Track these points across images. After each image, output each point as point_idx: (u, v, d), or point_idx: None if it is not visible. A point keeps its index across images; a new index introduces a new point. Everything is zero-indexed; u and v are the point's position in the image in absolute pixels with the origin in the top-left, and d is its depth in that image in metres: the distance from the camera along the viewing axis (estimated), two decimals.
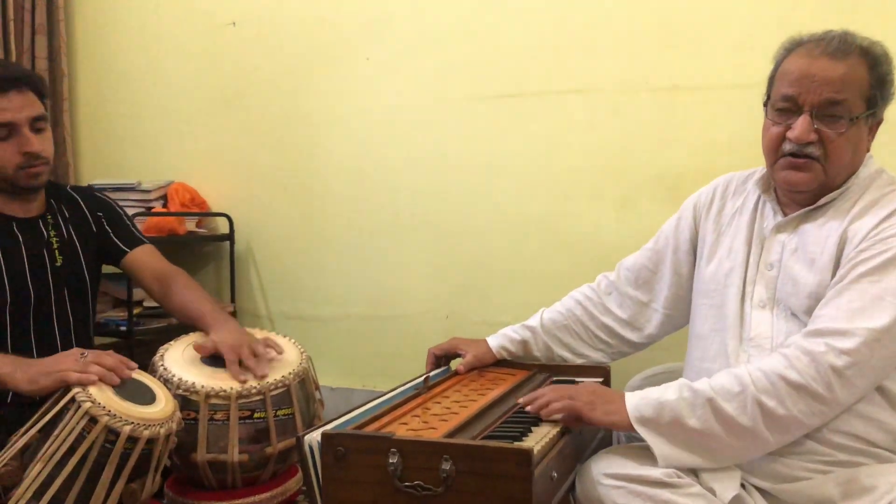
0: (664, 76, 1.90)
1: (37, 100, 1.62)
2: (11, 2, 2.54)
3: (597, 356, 1.62)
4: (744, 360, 1.28)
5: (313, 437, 1.17)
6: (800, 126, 1.20)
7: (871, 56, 1.21)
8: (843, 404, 1.13)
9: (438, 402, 1.37)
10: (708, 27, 1.85)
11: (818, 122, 1.20)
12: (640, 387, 1.71)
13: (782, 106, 1.24)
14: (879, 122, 1.27)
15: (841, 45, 1.20)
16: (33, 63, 2.61)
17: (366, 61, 2.30)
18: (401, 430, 1.19)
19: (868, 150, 1.27)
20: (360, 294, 2.35)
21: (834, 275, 1.20)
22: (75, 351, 1.39)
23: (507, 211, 2.12)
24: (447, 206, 2.20)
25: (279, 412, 1.52)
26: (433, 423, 1.24)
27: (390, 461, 1.08)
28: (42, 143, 1.61)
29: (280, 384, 1.52)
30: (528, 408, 1.25)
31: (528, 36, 2.06)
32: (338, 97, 2.34)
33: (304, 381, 1.62)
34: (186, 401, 1.46)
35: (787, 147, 1.24)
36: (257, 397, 1.50)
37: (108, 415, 1.25)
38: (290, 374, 1.56)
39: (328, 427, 1.19)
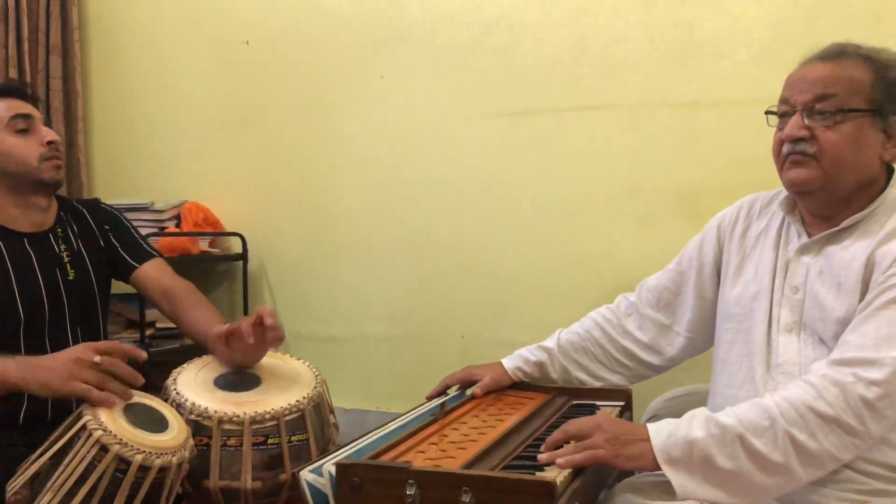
0: (683, 92, 1.87)
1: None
2: (26, 21, 2.56)
3: (615, 379, 1.57)
4: (771, 387, 1.23)
5: (328, 469, 1.14)
6: (790, 123, 1.21)
7: (874, 60, 1.20)
8: (875, 437, 1.09)
9: (456, 429, 1.33)
10: (727, 41, 1.82)
11: (809, 119, 1.20)
12: (661, 409, 1.67)
13: (781, 110, 1.26)
14: None
15: (833, 49, 1.23)
16: (48, 83, 2.62)
17: (380, 79, 2.29)
18: (418, 460, 1.15)
19: (888, 159, 1.23)
20: (375, 314, 2.32)
21: (861, 300, 1.15)
22: (87, 350, 1.32)
23: (524, 229, 2.09)
24: (463, 224, 2.18)
25: (293, 438, 1.49)
26: (451, 451, 1.20)
27: (408, 493, 1.05)
28: (57, 135, 1.63)
29: (294, 409, 1.49)
30: (555, 462, 1.14)
31: (545, 52, 2.04)
32: (352, 115, 2.33)
33: (319, 406, 1.59)
34: (199, 426, 1.43)
35: (786, 148, 1.23)
36: (271, 422, 1.46)
37: (119, 443, 1.22)
38: (304, 398, 1.52)
39: (337, 458, 1.16)
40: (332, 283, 2.38)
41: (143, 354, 1.38)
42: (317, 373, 1.66)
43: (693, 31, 1.86)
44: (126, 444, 1.23)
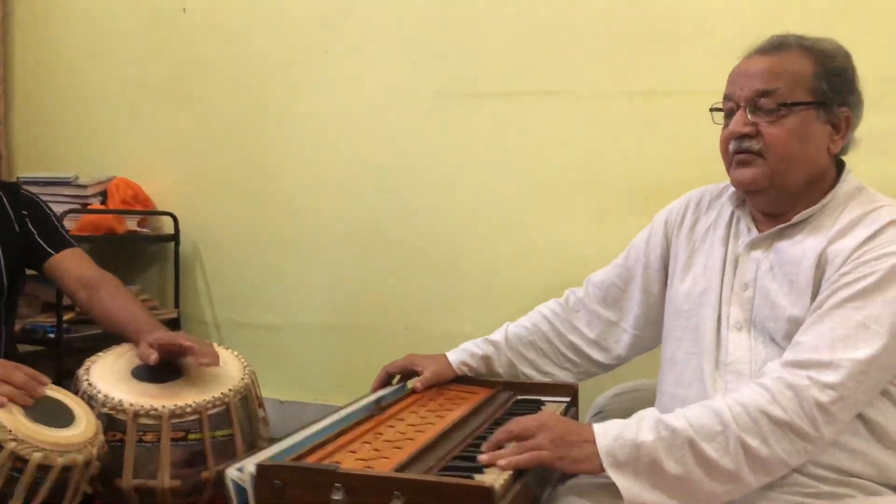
0: (642, 81, 1.81)
1: None
2: None
3: (562, 375, 1.51)
4: (720, 386, 1.19)
5: (245, 470, 1.04)
6: (734, 120, 1.18)
7: (815, 50, 1.17)
8: (827, 441, 1.05)
9: (392, 427, 1.25)
10: (689, 32, 1.77)
11: (753, 115, 1.16)
12: (608, 405, 1.61)
13: (724, 108, 1.23)
14: (847, 121, 1.19)
15: (773, 41, 1.19)
16: None
17: (324, 55, 2.17)
18: (348, 461, 1.06)
19: (836, 152, 1.19)
20: (315, 302, 2.21)
21: (813, 298, 1.12)
22: None
23: (475, 218, 2.02)
24: (411, 211, 2.09)
25: (217, 433, 1.39)
26: (385, 451, 1.11)
27: (334, 497, 0.96)
28: None
29: (218, 402, 1.39)
30: (496, 463, 1.05)
31: (500, 33, 1.96)
32: (296, 92, 2.21)
33: (247, 399, 1.48)
34: (112, 420, 1.32)
35: (732, 146, 1.20)
36: (192, 416, 1.36)
37: (14, 440, 1.11)
38: (230, 390, 1.42)
39: (265, 456, 1.06)
40: (270, 267, 2.26)
41: (41, 391, 1.24)
42: (245, 363, 1.56)
43: (655, 19, 1.80)
44: (22, 440, 1.12)
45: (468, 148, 2.00)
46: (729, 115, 1.22)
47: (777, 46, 1.19)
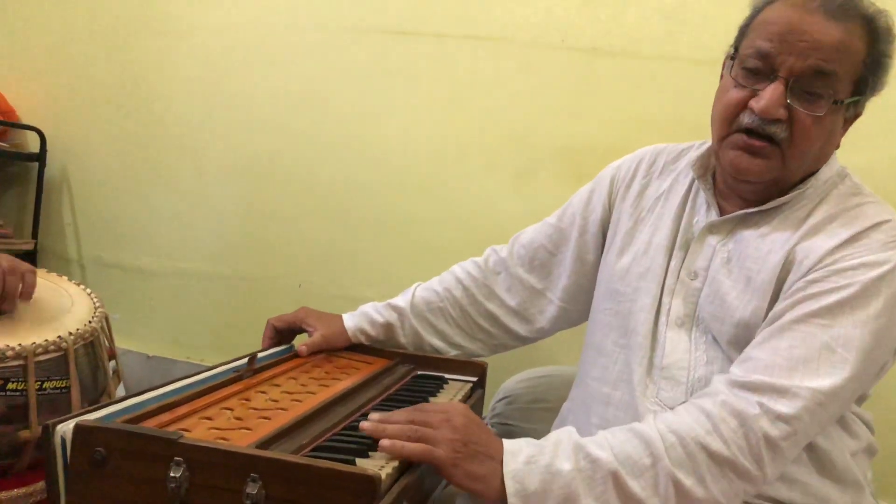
0: (583, 36, 1.64)
1: None
2: None
3: (474, 347, 1.33)
4: (652, 393, 1.02)
5: (68, 429, 0.80)
6: (769, 95, 0.92)
7: (873, 27, 0.93)
8: (769, 481, 0.88)
9: (264, 392, 1.03)
10: None
11: (793, 97, 0.92)
12: (515, 391, 1.45)
13: (753, 65, 0.95)
14: (858, 116, 1.00)
15: (845, 3, 0.92)
16: None
17: None
18: (199, 430, 0.84)
19: (837, 147, 1.02)
20: (197, 247, 1.95)
21: (772, 303, 0.94)
22: None
23: (387, 168, 1.80)
24: (314, 153, 1.85)
25: (46, 384, 1.13)
26: (249, 421, 0.90)
27: (171, 474, 0.74)
28: None
29: (53, 347, 1.13)
30: (379, 441, 0.87)
31: None
32: (196, 4, 1.91)
33: (94, 346, 1.23)
34: None
35: (745, 119, 0.95)
36: (15, 362, 1.09)
37: None
38: (70, 334, 1.16)
39: (91, 417, 0.83)
40: (148, 203, 1.98)
41: None
42: (98, 304, 1.30)
43: None
44: None
45: (386, 89, 1.78)
46: (753, 73, 0.95)
47: (845, 13, 0.92)
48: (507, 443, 0.88)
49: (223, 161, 1.91)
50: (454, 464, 0.84)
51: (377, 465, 0.80)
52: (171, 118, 1.95)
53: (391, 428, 0.87)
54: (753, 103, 0.94)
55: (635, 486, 0.84)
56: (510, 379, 1.50)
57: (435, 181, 1.75)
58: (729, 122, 0.98)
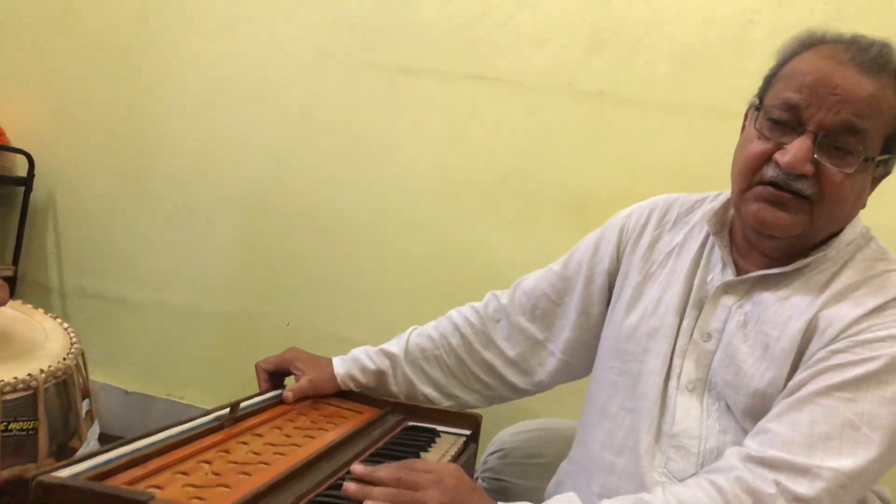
0: (591, 80, 1.61)
1: None
2: None
3: (470, 398, 1.26)
4: (660, 463, 0.95)
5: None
6: (796, 149, 0.87)
7: None
8: None
9: (245, 444, 0.96)
10: (649, 34, 1.58)
11: (821, 153, 0.87)
12: (509, 444, 1.38)
13: (779, 116, 0.90)
14: (886, 175, 0.96)
15: (879, 57, 0.88)
16: None
17: None
18: (173, 487, 0.78)
19: (864, 206, 0.97)
20: (184, 279, 1.89)
21: (792, 373, 0.88)
22: None
23: (383, 205, 1.76)
24: (310, 189, 1.80)
25: (13, 425, 1.07)
26: (228, 477, 0.83)
27: None
28: None
29: (21, 385, 1.06)
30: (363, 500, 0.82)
31: (443, 6, 1.71)
32: (195, 32, 1.89)
33: (67, 385, 1.16)
34: None
35: (769, 173, 0.90)
36: None
37: None
38: (42, 371, 1.09)
39: (57, 473, 0.76)
40: (136, 233, 1.92)
41: None
42: (75, 339, 1.24)
43: (613, 12, 1.60)
44: None
45: (387, 125, 1.74)
46: (779, 125, 0.90)
47: (882, 67, 0.87)
48: None
49: (215, 192, 1.86)
50: None
51: None
52: (164, 146, 1.90)
53: (377, 492, 0.81)
54: (779, 157, 0.89)
55: None
56: (504, 431, 1.43)
57: (433, 221, 1.71)
58: (752, 175, 0.93)
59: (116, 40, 1.93)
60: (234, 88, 1.84)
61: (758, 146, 0.92)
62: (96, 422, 1.33)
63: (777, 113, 0.90)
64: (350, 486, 0.81)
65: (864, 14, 1.37)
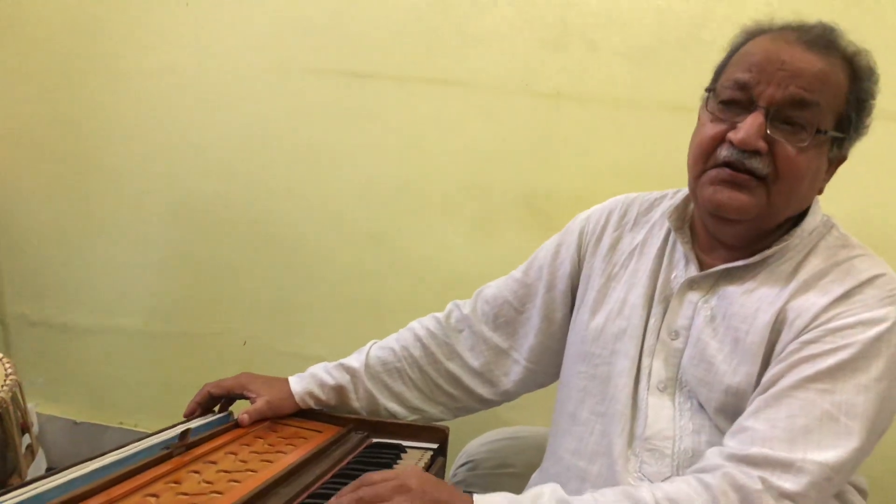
0: (548, 81, 1.58)
1: None
2: None
3: (435, 411, 1.22)
4: (634, 467, 0.92)
5: None
6: (748, 125, 0.86)
7: (855, 64, 0.90)
8: None
9: (197, 472, 0.90)
10: (607, 32, 1.56)
11: (773, 128, 0.87)
12: (478, 455, 1.34)
13: (730, 96, 0.90)
14: (842, 161, 0.95)
15: (824, 35, 0.89)
16: None
17: (185, 7, 1.79)
18: None
19: (821, 192, 0.96)
20: (133, 301, 1.80)
21: (764, 367, 0.87)
22: None
23: (340, 216, 1.70)
24: (262, 201, 1.74)
25: None
26: None
27: None
28: None
29: None
30: None
31: (395, 9, 1.67)
32: (140, 44, 1.80)
33: (2, 420, 1.08)
34: None
35: (723, 153, 0.89)
36: None
37: None
38: None
39: None
40: (80, 255, 1.83)
41: None
42: (10, 370, 1.16)
43: (569, 11, 1.58)
44: None
45: (340, 133, 1.69)
46: (731, 105, 0.90)
47: (827, 45, 0.88)
48: (477, 497, 0.78)
49: (163, 209, 1.78)
50: None
51: None
52: (107, 163, 1.81)
53: (346, 497, 0.77)
54: (732, 135, 0.88)
55: None
56: (472, 442, 1.40)
57: (390, 229, 1.66)
58: (706, 158, 0.92)
59: (57, 54, 1.84)
60: (181, 100, 1.77)
61: (711, 129, 0.91)
62: (40, 457, 1.25)
63: (728, 93, 0.90)
64: None
65: (823, 12, 1.37)
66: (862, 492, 0.96)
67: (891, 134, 1.27)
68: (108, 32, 1.81)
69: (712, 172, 0.91)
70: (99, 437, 1.74)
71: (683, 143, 1.02)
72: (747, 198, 0.88)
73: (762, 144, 0.86)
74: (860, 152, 0.96)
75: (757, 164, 0.87)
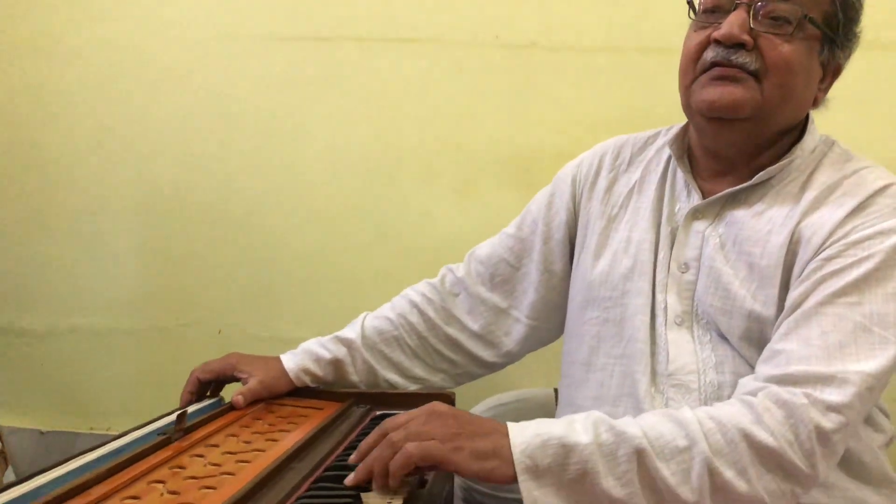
0: (520, 31, 1.54)
1: None
2: None
3: (436, 379, 1.17)
4: (660, 404, 0.90)
5: None
6: (730, 20, 0.87)
7: None
8: (819, 482, 0.77)
9: (201, 456, 0.83)
10: None
11: (757, 24, 0.86)
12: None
13: (712, 4, 0.90)
14: (837, 70, 0.94)
15: None
16: None
17: None
18: None
19: (819, 104, 0.95)
20: (94, 298, 1.69)
21: (783, 289, 0.86)
22: None
23: (311, 190, 1.62)
24: (224, 176, 1.65)
25: None
26: (189, 494, 0.72)
27: None
28: None
29: None
30: (371, 478, 0.74)
31: None
32: (85, 17, 1.67)
33: None
34: None
35: (709, 55, 0.89)
36: None
37: None
38: None
39: None
40: (30, 253, 1.70)
41: None
42: None
43: None
44: None
45: (304, 102, 1.61)
46: (715, 11, 0.90)
47: None
48: (512, 425, 0.76)
49: (119, 197, 1.66)
50: (456, 447, 0.72)
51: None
52: (54, 151, 1.68)
53: (370, 459, 0.73)
54: (716, 33, 0.88)
55: (665, 469, 0.73)
56: (475, 407, 1.37)
57: (367, 200, 1.59)
58: (693, 65, 0.92)
59: None
60: (132, 79, 1.65)
61: (696, 37, 0.92)
62: (8, 470, 1.16)
63: (710, 1, 0.90)
64: (350, 478, 0.74)
65: None
66: (886, 413, 0.96)
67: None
68: (50, 11, 1.68)
69: (702, 78, 0.90)
70: (70, 445, 1.63)
71: (664, 87, 1.02)
72: (740, 91, 0.87)
73: (746, 38, 0.86)
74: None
75: (745, 59, 0.86)
